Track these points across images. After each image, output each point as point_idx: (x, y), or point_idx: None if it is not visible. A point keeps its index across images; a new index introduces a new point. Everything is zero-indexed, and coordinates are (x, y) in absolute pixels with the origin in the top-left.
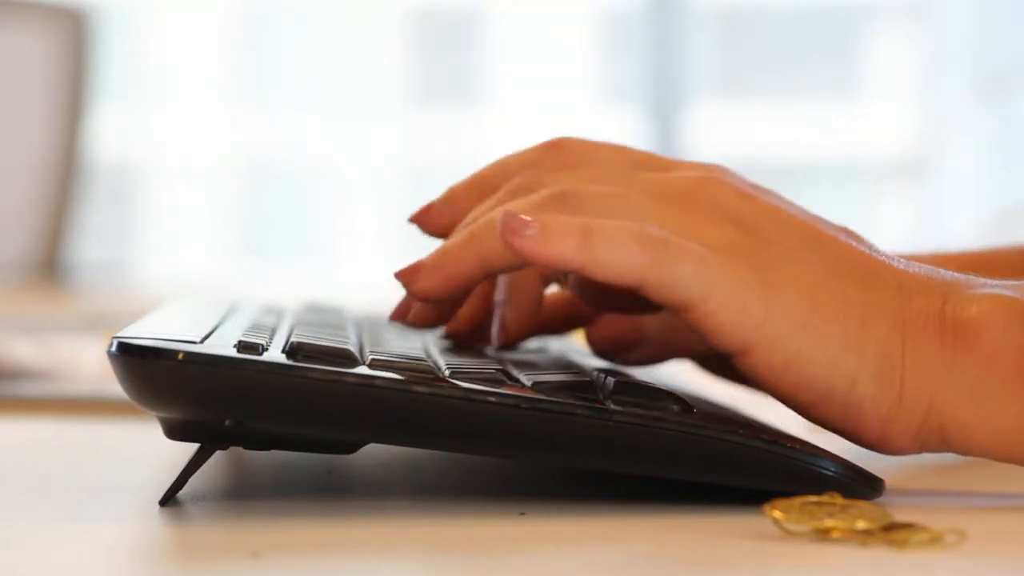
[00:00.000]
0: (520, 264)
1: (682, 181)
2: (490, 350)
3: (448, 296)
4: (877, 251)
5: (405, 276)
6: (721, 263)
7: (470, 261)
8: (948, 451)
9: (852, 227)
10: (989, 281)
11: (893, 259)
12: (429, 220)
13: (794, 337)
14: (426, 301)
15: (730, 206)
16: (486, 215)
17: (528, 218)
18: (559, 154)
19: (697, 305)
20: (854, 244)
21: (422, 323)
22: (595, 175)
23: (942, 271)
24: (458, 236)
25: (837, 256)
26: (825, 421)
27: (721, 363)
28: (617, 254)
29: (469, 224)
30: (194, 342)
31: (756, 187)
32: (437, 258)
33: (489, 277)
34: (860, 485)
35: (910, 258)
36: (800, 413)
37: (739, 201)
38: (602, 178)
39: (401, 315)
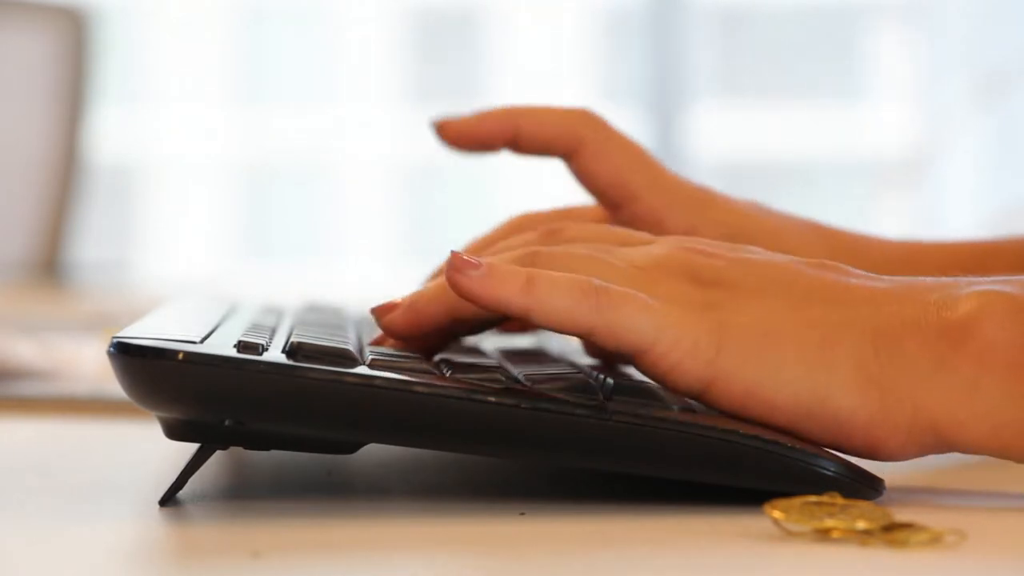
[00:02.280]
0: (491, 314)
1: (654, 250)
2: (490, 350)
3: (416, 336)
4: (857, 276)
5: (379, 312)
6: (666, 307)
7: (440, 306)
8: (946, 451)
9: (851, 228)
10: (980, 279)
11: (873, 279)
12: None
13: (749, 366)
14: (395, 338)
15: (695, 267)
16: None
17: (476, 261)
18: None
19: (647, 349)
20: (831, 275)
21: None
22: (574, 242)
23: (928, 279)
24: (438, 281)
25: (804, 288)
26: (808, 438)
27: None
28: (560, 302)
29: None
30: (194, 342)
31: (733, 247)
32: (412, 298)
33: (459, 323)
34: (860, 485)
35: (907, 247)
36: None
37: (704, 260)
38: (580, 245)
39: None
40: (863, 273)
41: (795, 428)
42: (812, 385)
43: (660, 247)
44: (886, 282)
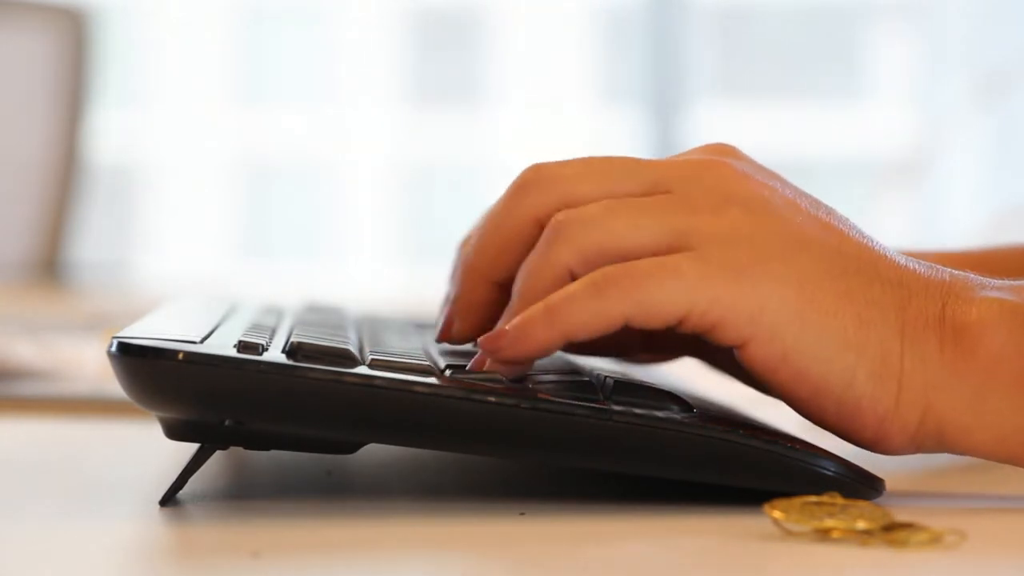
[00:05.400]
0: (598, 327)
1: (684, 166)
2: None
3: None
4: (878, 244)
5: (489, 344)
6: (701, 265)
7: (552, 335)
8: (945, 452)
9: None
10: (988, 282)
11: (893, 253)
12: (452, 329)
13: (791, 330)
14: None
15: (734, 188)
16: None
17: (500, 331)
18: (530, 196)
19: (687, 314)
20: (856, 235)
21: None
22: (591, 190)
23: (942, 268)
24: (537, 310)
25: (838, 248)
26: (821, 418)
27: (726, 360)
28: (582, 310)
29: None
30: (194, 342)
31: (760, 169)
32: (519, 332)
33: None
34: (860, 485)
35: (910, 255)
36: (796, 409)
37: (742, 183)
38: (603, 189)
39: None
40: (878, 241)
41: (813, 404)
42: (844, 364)
43: (690, 161)
44: (909, 262)
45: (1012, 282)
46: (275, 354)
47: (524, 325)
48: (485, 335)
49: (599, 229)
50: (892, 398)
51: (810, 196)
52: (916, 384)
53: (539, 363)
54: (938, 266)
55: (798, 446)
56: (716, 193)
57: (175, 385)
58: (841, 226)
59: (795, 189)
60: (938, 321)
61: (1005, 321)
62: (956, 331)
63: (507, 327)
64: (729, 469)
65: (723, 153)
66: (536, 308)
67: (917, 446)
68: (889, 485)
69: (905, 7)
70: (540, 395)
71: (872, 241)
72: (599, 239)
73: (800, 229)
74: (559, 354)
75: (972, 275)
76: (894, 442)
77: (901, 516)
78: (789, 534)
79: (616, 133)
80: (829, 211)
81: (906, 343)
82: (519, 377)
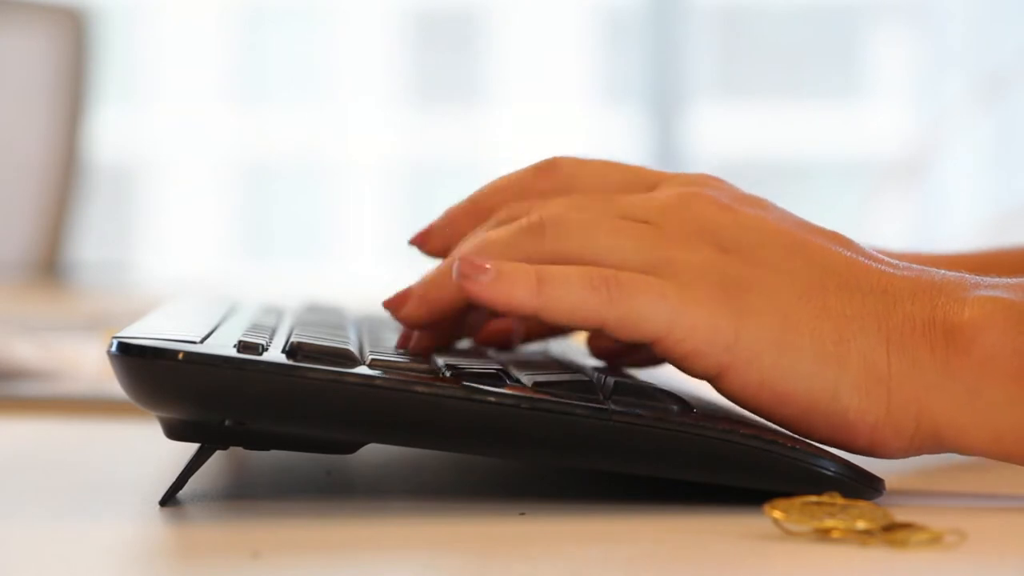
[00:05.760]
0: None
1: (665, 200)
2: (491, 350)
3: (432, 323)
4: (867, 256)
5: (392, 304)
6: (681, 292)
7: (453, 291)
8: (945, 452)
9: (849, 229)
10: (982, 280)
11: (883, 263)
12: (428, 242)
13: (767, 355)
14: (412, 328)
15: (711, 222)
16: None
17: (485, 264)
18: (549, 176)
19: (663, 337)
20: (842, 251)
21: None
22: (577, 202)
23: (934, 271)
24: (443, 266)
25: (820, 266)
26: (811, 433)
27: None
28: (570, 298)
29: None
30: (194, 342)
31: (743, 198)
32: (422, 287)
33: (474, 307)
34: (860, 485)
35: (907, 258)
36: (787, 428)
37: (721, 216)
38: (584, 205)
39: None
40: (872, 252)
41: (801, 422)
42: (824, 381)
43: (671, 194)
44: (897, 270)
45: (1006, 280)
46: (275, 354)
47: (510, 275)
48: (466, 257)
49: (581, 239)
50: (882, 405)
51: (797, 217)
52: (907, 388)
53: (538, 363)
54: (930, 269)
55: (798, 446)
56: (693, 226)
57: (175, 385)
58: (826, 243)
59: (780, 213)
60: (928, 324)
61: (998, 319)
62: (948, 332)
63: (491, 265)
64: (729, 469)
65: (705, 185)
66: (527, 269)
67: (917, 449)
68: (889, 485)
69: (905, 7)
70: (540, 395)
71: (859, 253)
72: (577, 248)
73: (776, 257)
74: (560, 354)
75: (967, 275)
76: (891, 447)
77: (901, 516)
78: (789, 534)
79: (616, 133)
80: (814, 230)
81: (893, 350)
82: (520, 378)
